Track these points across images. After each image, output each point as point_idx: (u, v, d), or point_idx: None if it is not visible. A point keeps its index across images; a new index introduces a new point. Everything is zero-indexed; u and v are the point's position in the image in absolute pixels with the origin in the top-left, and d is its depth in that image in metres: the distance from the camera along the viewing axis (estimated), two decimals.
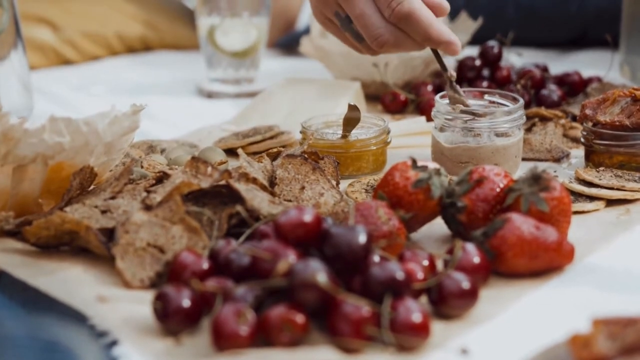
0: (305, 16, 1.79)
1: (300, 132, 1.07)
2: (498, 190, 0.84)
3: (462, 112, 1.02)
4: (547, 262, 0.80)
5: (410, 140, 1.16)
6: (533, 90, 1.29)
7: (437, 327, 0.71)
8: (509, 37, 1.39)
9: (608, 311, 0.70)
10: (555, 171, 1.05)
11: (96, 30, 1.63)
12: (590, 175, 0.99)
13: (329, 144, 1.05)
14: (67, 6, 1.66)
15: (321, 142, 1.05)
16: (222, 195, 0.87)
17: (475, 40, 1.45)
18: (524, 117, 1.04)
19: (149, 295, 0.75)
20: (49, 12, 1.63)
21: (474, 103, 1.05)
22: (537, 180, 0.82)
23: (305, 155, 0.95)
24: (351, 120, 1.05)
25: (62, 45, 1.60)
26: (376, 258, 0.74)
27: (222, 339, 0.67)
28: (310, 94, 1.27)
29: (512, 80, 1.32)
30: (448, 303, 0.73)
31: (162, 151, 1.10)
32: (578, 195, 0.97)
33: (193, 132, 1.24)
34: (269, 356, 0.66)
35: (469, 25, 1.41)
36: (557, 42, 1.69)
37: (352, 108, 1.05)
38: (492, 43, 1.36)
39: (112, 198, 0.87)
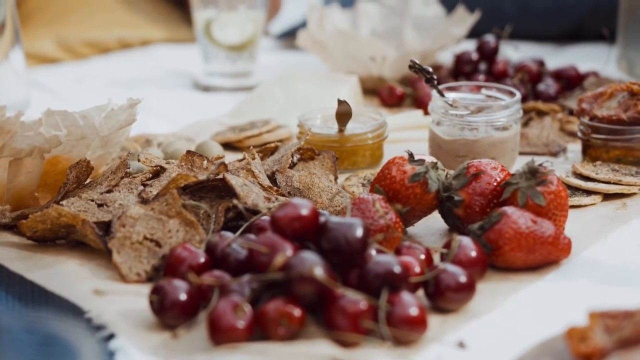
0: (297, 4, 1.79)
1: (298, 126, 1.07)
2: (495, 184, 0.84)
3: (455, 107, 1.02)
4: (544, 255, 0.80)
5: (407, 134, 1.16)
6: (530, 84, 1.29)
7: (434, 321, 0.72)
8: (506, 31, 1.39)
9: (605, 304, 0.70)
10: (552, 165, 1.05)
11: (97, 37, 1.63)
12: (587, 169, 0.99)
13: (325, 138, 1.05)
14: (69, 16, 1.67)
15: (317, 136, 1.04)
16: (219, 189, 0.87)
17: (472, 34, 1.45)
18: (521, 111, 1.04)
19: (145, 289, 0.75)
20: (52, 25, 1.63)
21: (470, 97, 1.05)
22: (534, 174, 0.83)
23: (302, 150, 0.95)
24: (343, 115, 1.05)
25: (62, 53, 1.60)
26: (373, 252, 0.74)
27: (219, 333, 0.67)
28: (308, 87, 1.27)
29: (509, 74, 1.32)
30: (445, 297, 0.73)
31: (159, 145, 1.10)
32: (575, 190, 0.97)
33: (190, 125, 1.24)
34: (266, 350, 0.66)
35: (466, 18, 1.41)
36: (553, 36, 1.69)
37: (342, 103, 1.04)
38: (489, 37, 1.36)
39: (109, 191, 0.87)
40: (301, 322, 0.68)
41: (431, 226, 0.89)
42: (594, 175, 0.98)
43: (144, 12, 1.75)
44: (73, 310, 0.74)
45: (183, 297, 0.70)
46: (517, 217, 0.79)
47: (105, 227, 0.83)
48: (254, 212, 0.83)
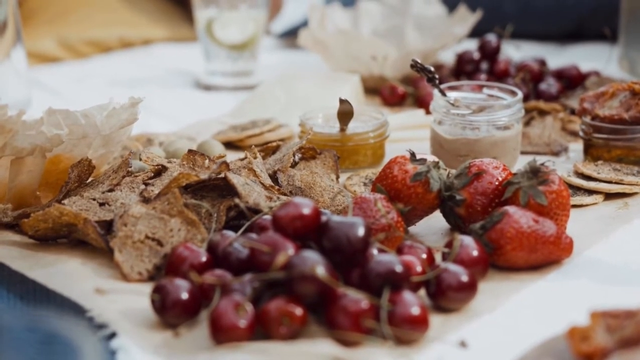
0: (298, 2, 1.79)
1: (299, 125, 1.07)
2: (497, 183, 0.84)
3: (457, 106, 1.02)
4: (546, 255, 0.80)
5: (408, 134, 1.16)
6: (531, 83, 1.29)
7: (436, 320, 0.72)
8: (508, 30, 1.39)
9: (606, 304, 0.70)
10: (553, 164, 1.05)
11: (98, 36, 1.64)
12: (589, 168, 0.99)
13: (327, 137, 1.05)
14: (70, 15, 1.67)
15: (319, 135, 1.04)
16: (221, 188, 0.87)
17: (473, 33, 1.45)
18: (523, 110, 1.04)
19: (147, 288, 0.75)
20: (54, 24, 1.63)
21: (472, 97, 1.05)
22: (535, 173, 0.82)
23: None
24: (345, 114, 1.05)
25: (63, 52, 1.60)
26: (375, 251, 0.74)
27: (221, 332, 0.67)
28: (309, 86, 1.27)
29: (511, 74, 1.32)
30: (447, 296, 0.73)
31: (160, 144, 1.10)
32: (577, 189, 0.97)
33: (191, 124, 1.24)
34: (268, 349, 0.66)
35: (467, 18, 1.41)
36: (554, 35, 1.69)
37: (343, 102, 1.04)
38: (491, 36, 1.36)
39: (110, 190, 0.87)
40: (303, 321, 0.68)
41: (433, 225, 0.89)
42: (595, 174, 0.98)
43: (145, 11, 1.75)
44: (74, 309, 0.74)
45: (184, 296, 0.70)
46: (519, 217, 0.79)
47: (107, 226, 0.83)
48: (256, 211, 0.83)
